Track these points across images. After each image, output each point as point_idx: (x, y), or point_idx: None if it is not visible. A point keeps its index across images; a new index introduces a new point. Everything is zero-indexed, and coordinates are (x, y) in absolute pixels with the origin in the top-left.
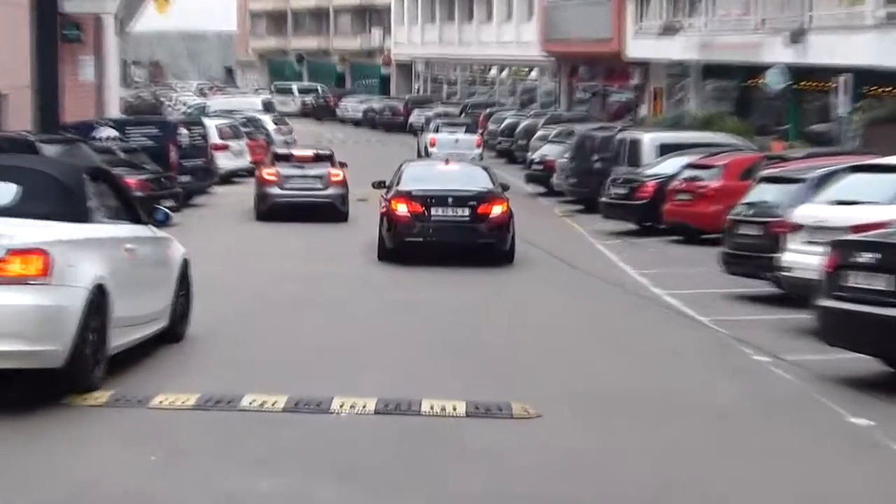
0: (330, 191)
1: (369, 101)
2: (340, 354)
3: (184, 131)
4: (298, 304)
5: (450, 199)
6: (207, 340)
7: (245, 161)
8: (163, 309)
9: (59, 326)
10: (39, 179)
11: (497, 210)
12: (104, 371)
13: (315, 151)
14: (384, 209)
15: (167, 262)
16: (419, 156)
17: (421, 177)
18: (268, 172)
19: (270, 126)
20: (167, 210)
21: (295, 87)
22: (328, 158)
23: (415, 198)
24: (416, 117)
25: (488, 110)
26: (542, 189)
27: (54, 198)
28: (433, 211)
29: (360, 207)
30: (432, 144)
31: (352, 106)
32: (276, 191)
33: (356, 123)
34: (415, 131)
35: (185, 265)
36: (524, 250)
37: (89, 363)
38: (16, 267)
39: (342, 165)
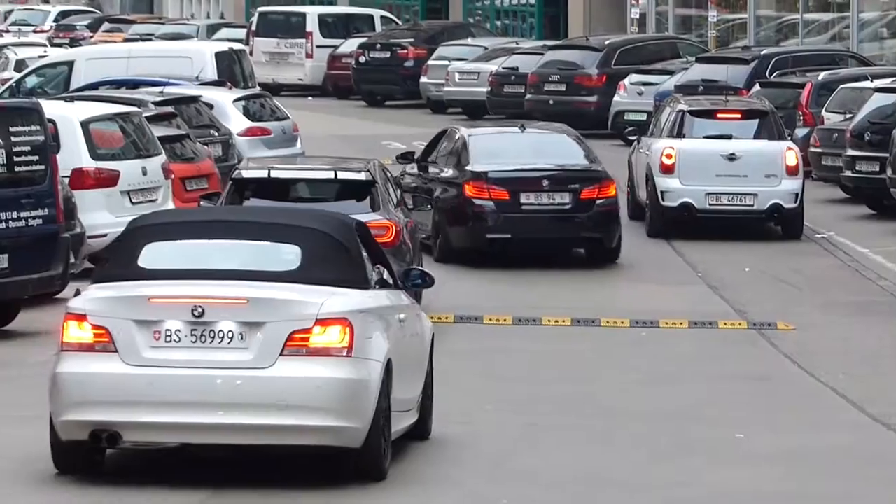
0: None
1: (504, 53)
2: None
3: None
4: None
5: (545, 182)
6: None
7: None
8: (416, 397)
9: (361, 403)
10: (317, 239)
11: (606, 194)
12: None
13: (336, 170)
14: (456, 197)
15: (422, 339)
16: (632, 195)
17: (496, 150)
18: None
19: (235, 120)
20: (423, 270)
21: (310, 15)
22: (364, 190)
23: (496, 180)
24: (627, 97)
25: (823, 75)
26: None
27: (335, 261)
28: (523, 198)
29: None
30: (667, 169)
31: (462, 73)
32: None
33: (472, 112)
34: (625, 132)
35: (433, 343)
36: None
37: (382, 447)
38: (322, 338)
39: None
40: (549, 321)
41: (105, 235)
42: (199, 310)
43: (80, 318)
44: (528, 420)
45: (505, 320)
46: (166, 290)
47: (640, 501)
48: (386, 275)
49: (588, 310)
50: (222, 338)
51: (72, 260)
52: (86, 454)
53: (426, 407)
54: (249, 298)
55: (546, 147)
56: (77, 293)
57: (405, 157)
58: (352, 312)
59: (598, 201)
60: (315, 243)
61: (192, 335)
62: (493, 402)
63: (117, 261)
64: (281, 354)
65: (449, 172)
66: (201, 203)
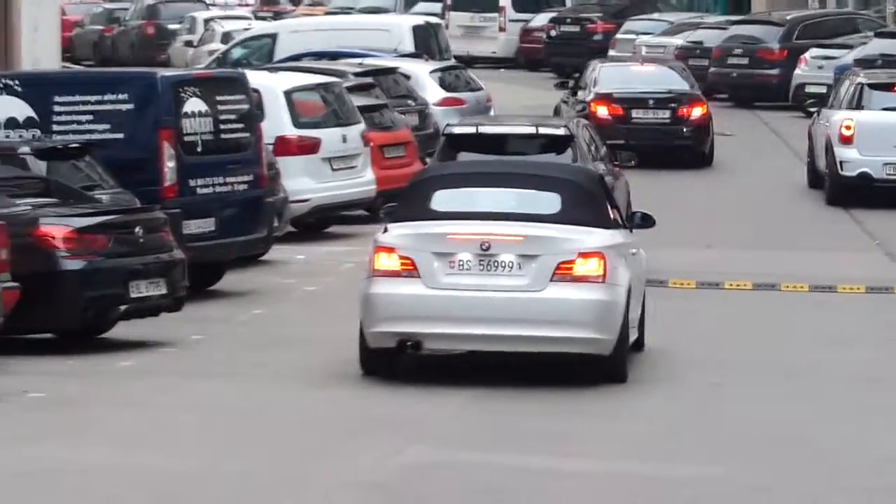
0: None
1: (690, 27)
2: None
3: (194, 106)
4: None
5: (651, 101)
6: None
7: (364, 181)
8: (638, 316)
9: (613, 319)
10: (572, 187)
11: (697, 112)
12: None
13: (538, 126)
14: (584, 113)
15: (642, 269)
16: (812, 165)
17: (618, 77)
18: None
19: (431, 91)
20: (644, 212)
21: None
22: (564, 144)
23: (615, 100)
24: (808, 70)
25: None
26: None
27: (587, 205)
28: (634, 113)
29: None
30: (846, 140)
31: (649, 46)
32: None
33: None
34: (806, 104)
35: (645, 275)
36: None
37: (625, 355)
38: (583, 267)
39: (620, 159)
40: (731, 285)
41: (307, 200)
42: (487, 245)
43: (390, 250)
44: (713, 380)
45: (689, 284)
46: (459, 228)
47: (823, 461)
48: (616, 216)
49: (768, 275)
50: (504, 267)
51: (275, 223)
52: (388, 359)
53: (642, 325)
54: (526, 236)
55: (658, 77)
56: (385, 230)
57: (562, 86)
58: (604, 247)
59: (690, 118)
60: (571, 191)
61: (480, 264)
62: (677, 362)
63: (412, 205)
64: (551, 280)
65: (585, 95)
66: (426, 161)
